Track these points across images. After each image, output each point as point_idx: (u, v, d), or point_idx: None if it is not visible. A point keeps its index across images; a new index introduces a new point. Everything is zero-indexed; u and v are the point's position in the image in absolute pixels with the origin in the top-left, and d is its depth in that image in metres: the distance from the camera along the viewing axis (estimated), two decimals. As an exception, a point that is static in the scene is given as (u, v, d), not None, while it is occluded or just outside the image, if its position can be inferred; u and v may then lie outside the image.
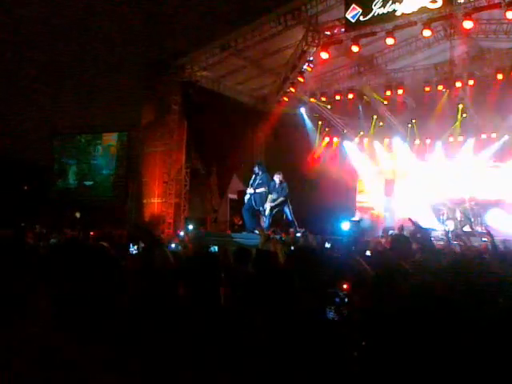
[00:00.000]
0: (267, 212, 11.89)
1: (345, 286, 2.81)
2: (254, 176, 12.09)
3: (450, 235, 14.20)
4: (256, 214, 12.25)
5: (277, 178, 11.94)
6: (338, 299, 2.58)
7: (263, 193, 11.91)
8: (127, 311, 2.40)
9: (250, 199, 12.06)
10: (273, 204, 11.81)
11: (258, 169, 12.12)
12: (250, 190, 12.06)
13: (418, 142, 17.68)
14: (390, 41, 12.30)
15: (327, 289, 2.65)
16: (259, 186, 11.90)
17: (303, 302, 2.39)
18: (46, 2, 16.44)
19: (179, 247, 9.09)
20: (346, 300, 2.60)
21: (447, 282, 2.59)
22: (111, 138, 18.96)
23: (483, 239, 12.61)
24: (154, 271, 3.08)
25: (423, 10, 11.50)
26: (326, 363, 1.99)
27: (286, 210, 12.00)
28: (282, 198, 11.85)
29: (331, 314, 2.41)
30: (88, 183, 18.96)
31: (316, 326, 2.19)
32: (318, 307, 2.42)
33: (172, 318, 2.35)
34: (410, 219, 4.71)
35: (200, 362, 2.09)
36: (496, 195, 15.77)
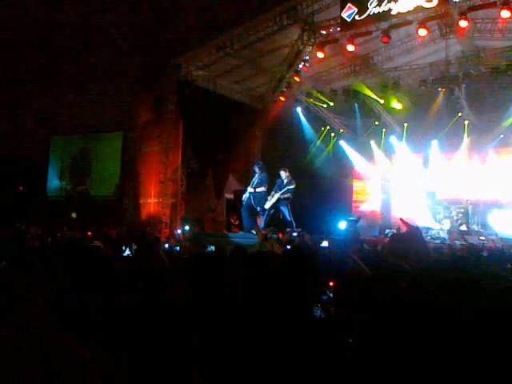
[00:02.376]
0: (268, 205, 11.88)
1: (331, 284, 2.82)
2: (254, 175, 12.17)
3: (446, 234, 14.28)
4: (254, 213, 12.27)
5: (283, 174, 11.98)
6: (325, 297, 2.59)
7: (263, 192, 11.95)
8: (124, 312, 2.40)
9: (249, 198, 12.10)
10: (281, 197, 11.82)
11: (257, 168, 12.18)
12: (250, 189, 12.11)
13: (414, 140, 17.71)
14: (385, 40, 12.33)
15: (317, 287, 2.66)
16: (258, 185, 11.94)
17: (295, 301, 2.40)
18: (45, 1, 16.42)
19: (177, 247, 9.08)
20: (333, 298, 2.62)
21: (442, 281, 2.60)
22: (108, 138, 18.95)
23: (480, 238, 12.66)
24: (148, 272, 3.08)
25: (419, 9, 11.53)
26: (313, 361, 2.00)
27: (285, 209, 12.01)
28: (289, 194, 11.89)
29: (318, 312, 2.42)
30: (85, 183, 18.94)
31: (303, 324, 2.20)
32: (306, 305, 2.43)
33: (167, 318, 2.35)
34: (401, 219, 4.71)
35: (198, 361, 2.09)
36: (492, 194, 15.81)
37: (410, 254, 3.54)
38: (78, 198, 18.43)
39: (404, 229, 4.57)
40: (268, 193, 12.11)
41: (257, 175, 12.09)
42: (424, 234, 14.20)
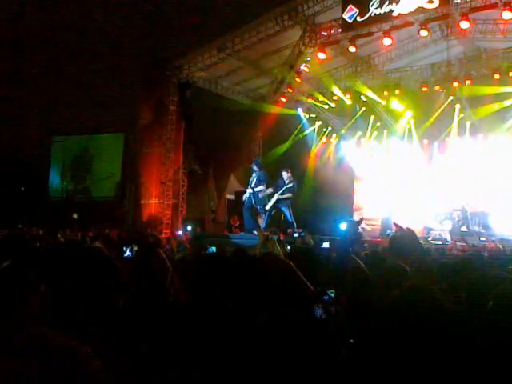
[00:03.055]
0: (269, 206, 11.87)
1: (332, 284, 2.82)
2: (252, 174, 12.14)
3: (447, 235, 14.26)
4: (255, 213, 12.25)
5: (285, 175, 11.96)
6: (326, 297, 2.58)
7: (262, 190, 11.92)
8: (124, 313, 2.40)
9: (249, 198, 12.06)
10: (281, 197, 11.81)
11: (255, 166, 12.15)
12: (249, 190, 12.09)
13: (415, 142, 17.68)
14: (386, 41, 12.32)
15: (318, 287, 2.66)
16: (257, 184, 11.91)
17: (296, 301, 2.40)
18: (45, 1, 16.44)
19: (180, 247, 9.09)
20: (334, 298, 2.62)
21: (441, 282, 2.61)
22: (109, 139, 18.98)
23: (481, 239, 12.65)
24: (149, 273, 3.09)
25: (420, 10, 11.53)
26: (314, 362, 2.00)
27: (286, 210, 11.99)
28: (289, 194, 11.86)
29: (319, 312, 2.42)
30: (86, 184, 18.97)
31: (304, 324, 2.20)
32: (307, 305, 2.43)
33: (168, 319, 2.36)
34: (394, 224, 4.72)
35: (198, 362, 2.10)
36: (493, 195, 15.77)
37: (407, 256, 3.55)
38: (78, 196, 18.47)
39: (397, 231, 4.58)
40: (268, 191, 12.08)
41: (255, 174, 12.06)
42: (426, 235, 14.21)
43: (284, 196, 11.85)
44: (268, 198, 12.02)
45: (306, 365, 1.98)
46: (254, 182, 11.97)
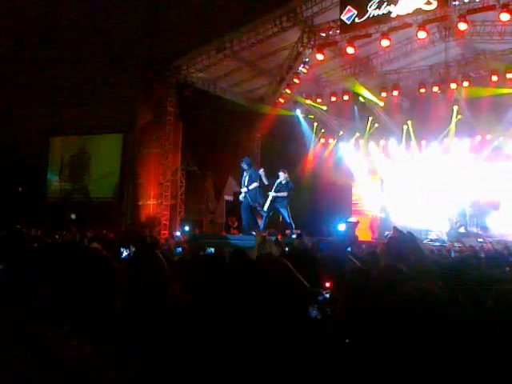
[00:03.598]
0: (267, 206, 11.84)
1: (327, 285, 2.83)
2: (244, 174, 12.09)
3: (445, 236, 14.29)
4: (254, 212, 12.21)
5: (282, 176, 11.94)
6: (321, 297, 2.60)
7: (256, 187, 11.89)
8: (123, 313, 2.41)
9: (245, 197, 12.04)
10: (275, 195, 11.78)
11: (245, 164, 12.10)
12: (243, 190, 12.07)
13: (413, 143, 17.71)
14: (385, 42, 12.34)
15: (314, 287, 2.68)
16: (250, 182, 11.87)
17: (292, 302, 2.41)
18: (45, 1, 16.45)
19: (178, 249, 9.09)
20: (329, 298, 2.63)
21: (439, 283, 2.62)
22: (107, 140, 18.97)
23: (478, 240, 12.68)
24: (146, 274, 3.10)
25: (418, 11, 11.54)
26: (310, 362, 2.01)
27: (284, 211, 11.96)
28: (285, 193, 11.83)
29: (314, 313, 2.43)
30: (84, 184, 18.95)
31: (299, 325, 2.21)
32: (303, 306, 2.44)
33: (166, 320, 2.37)
34: (394, 228, 4.74)
35: (198, 362, 2.10)
36: (491, 196, 15.80)
37: (406, 257, 3.56)
38: (76, 197, 18.46)
39: (395, 235, 4.60)
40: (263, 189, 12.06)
41: (245, 173, 12.03)
42: (423, 236, 14.23)
43: (279, 194, 11.80)
44: (264, 196, 11.99)
45: (303, 364, 1.99)
46: (246, 181, 11.94)
